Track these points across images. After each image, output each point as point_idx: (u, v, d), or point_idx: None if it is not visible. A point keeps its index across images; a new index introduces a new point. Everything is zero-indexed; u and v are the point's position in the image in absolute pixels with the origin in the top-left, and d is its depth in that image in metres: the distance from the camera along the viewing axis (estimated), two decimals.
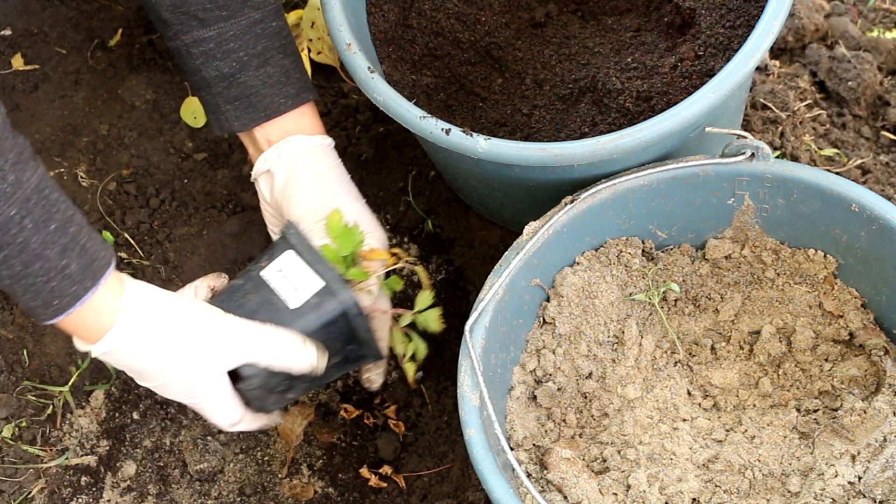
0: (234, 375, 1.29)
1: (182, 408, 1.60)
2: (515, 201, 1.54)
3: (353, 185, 1.44)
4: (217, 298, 1.32)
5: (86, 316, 1.19)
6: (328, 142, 1.43)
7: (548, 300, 1.38)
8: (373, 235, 1.41)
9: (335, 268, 1.33)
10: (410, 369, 1.43)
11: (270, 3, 1.37)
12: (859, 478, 1.23)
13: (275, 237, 1.46)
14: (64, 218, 1.15)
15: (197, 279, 1.36)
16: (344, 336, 1.34)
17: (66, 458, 1.54)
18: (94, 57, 1.88)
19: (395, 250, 1.43)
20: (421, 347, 1.41)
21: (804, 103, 1.71)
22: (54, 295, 1.16)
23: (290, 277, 1.32)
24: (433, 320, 1.38)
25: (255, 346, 1.27)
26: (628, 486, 1.25)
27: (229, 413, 1.32)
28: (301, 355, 1.29)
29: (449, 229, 1.72)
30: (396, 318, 1.41)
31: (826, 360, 1.36)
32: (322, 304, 1.30)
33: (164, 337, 1.22)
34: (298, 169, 1.39)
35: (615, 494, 1.25)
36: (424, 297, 1.39)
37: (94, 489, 1.54)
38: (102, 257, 1.19)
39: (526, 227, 1.34)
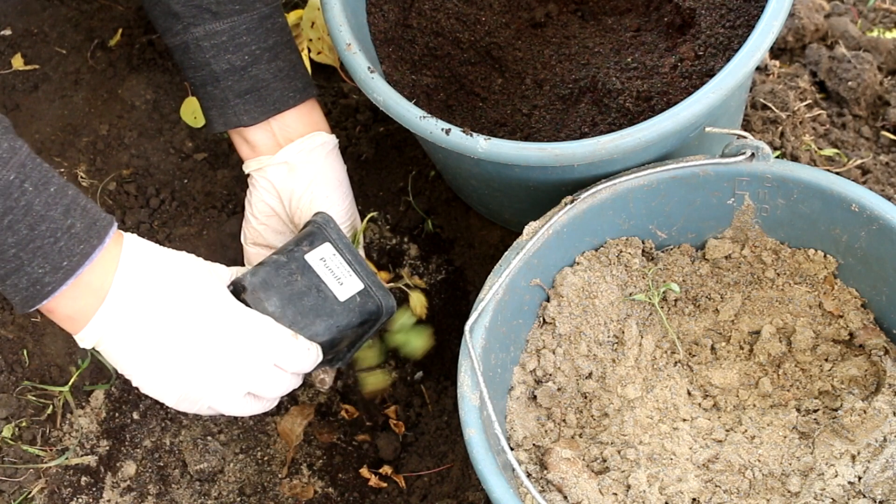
0: None
1: None
2: (515, 201, 1.54)
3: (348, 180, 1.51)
4: (262, 270, 1.32)
5: (89, 281, 1.19)
6: (336, 139, 1.49)
7: (548, 300, 1.38)
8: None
9: (375, 272, 1.38)
10: (372, 382, 1.55)
11: None
12: (859, 478, 1.23)
13: (255, 226, 1.48)
14: (61, 182, 1.16)
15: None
16: (358, 337, 1.38)
17: (66, 458, 1.54)
18: (94, 57, 1.88)
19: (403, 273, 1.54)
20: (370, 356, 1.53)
21: (804, 103, 1.71)
22: (63, 256, 1.15)
23: (332, 269, 1.34)
24: (416, 348, 1.51)
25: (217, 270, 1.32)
26: (628, 486, 1.25)
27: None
28: (298, 352, 1.30)
29: (449, 229, 1.72)
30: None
31: (826, 360, 1.36)
32: (365, 304, 1.34)
33: (164, 289, 1.22)
34: (324, 167, 1.44)
35: (615, 494, 1.25)
36: (405, 318, 1.49)
37: (94, 489, 1.54)
38: (104, 217, 1.19)
39: (526, 227, 1.34)
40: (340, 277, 1.34)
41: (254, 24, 1.37)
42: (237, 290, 1.31)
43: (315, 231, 1.36)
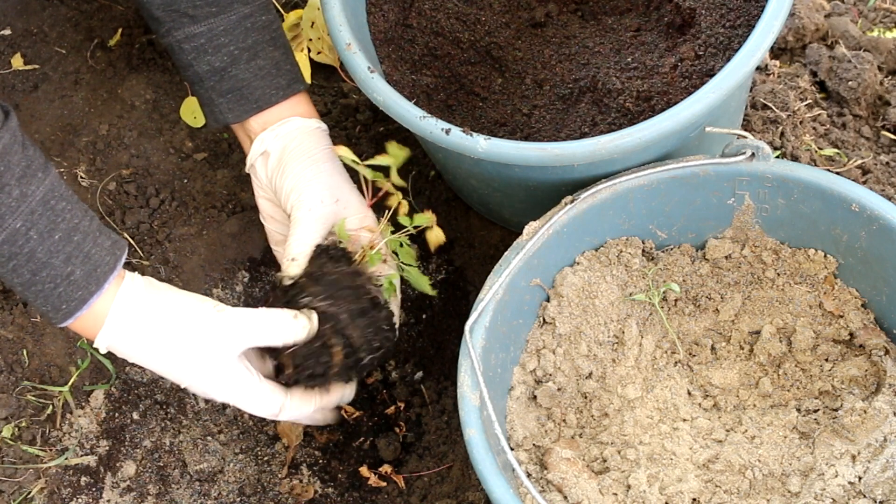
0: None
1: (182, 408, 1.60)
2: (515, 201, 1.54)
3: (343, 167, 1.46)
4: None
5: (90, 317, 1.26)
6: (324, 126, 1.47)
7: (548, 300, 1.38)
8: (362, 217, 1.45)
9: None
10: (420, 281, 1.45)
11: None
12: (859, 478, 1.23)
13: (269, 226, 1.50)
14: (69, 227, 1.21)
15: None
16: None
17: (66, 458, 1.54)
18: (94, 57, 1.88)
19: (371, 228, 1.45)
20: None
21: (804, 103, 1.71)
22: (62, 300, 1.22)
23: None
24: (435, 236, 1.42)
25: (247, 329, 1.31)
26: (628, 486, 1.25)
27: (263, 401, 1.35)
28: (292, 327, 1.32)
29: (449, 229, 1.71)
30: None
31: (826, 360, 1.36)
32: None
33: (155, 333, 1.28)
34: (294, 146, 1.42)
35: (615, 494, 1.25)
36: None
37: (93, 489, 1.53)
38: (107, 262, 1.25)
39: (526, 227, 1.34)
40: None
41: (231, 25, 1.38)
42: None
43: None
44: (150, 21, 1.41)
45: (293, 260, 1.38)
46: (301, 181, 1.40)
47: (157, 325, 1.27)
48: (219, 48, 1.39)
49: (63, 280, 1.22)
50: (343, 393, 1.43)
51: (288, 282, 1.38)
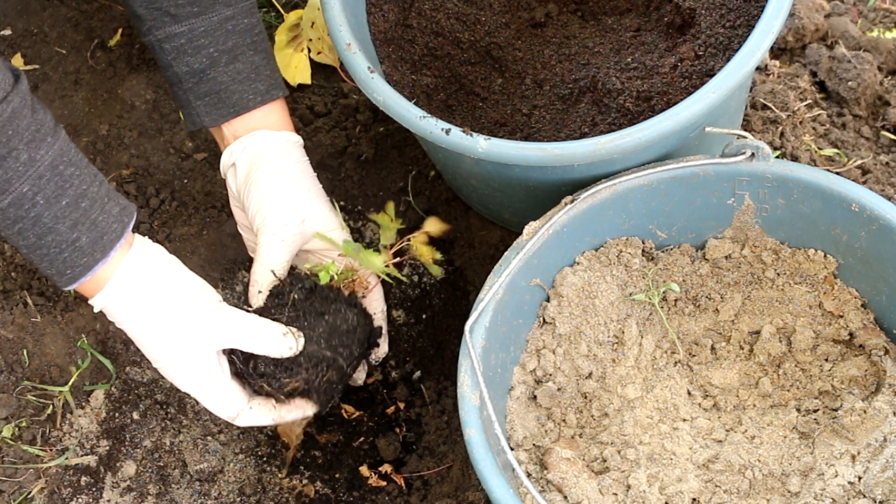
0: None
1: (182, 408, 1.60)
2: (515, 201, 1.54)
3: (315, 182, 1.46)
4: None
5: (93, 281, 1.26)
6: (294, 139, 1.45)
7: (548, 300, 1.38)
8: (332, 233, 1.43)
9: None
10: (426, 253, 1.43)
11: (243, 0, 1.39)
12: (859, 478, 1.23)
13: (243, 232, 1.50)
14: (77, 193, 1.21)
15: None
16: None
17: (66, 458, 1.54)
18: (94, 57, 1.89)
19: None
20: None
21: (804, 103, 1.71)
22: (66, 265, 1.23)
23: None
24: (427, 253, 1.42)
25: (237, 331, 1.31)
26: (628, 486, 1.25)
27: (225, 402, 1.34)
28: (279, 343, 1.32)
29: (449, 229, 1.71)
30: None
31: (826, 360, 1.36)
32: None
33: (152, 308, 1.28)
34: (260, 163, 1.41)
35: (615, 494, 1.25)
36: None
37: (94, 489, 1.54)
38: (114, 230, 1.25)
39: (526, 227, 1.34)
40: None
41: (212, 26, 1.37)
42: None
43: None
44: (133, 18, 1.40)
45: (259, 292, 1.39)
46: (265, 203, 1.40)
47: (156, 300, 1.28)
48: (198, 49, 1.38)
49: (68, 246, 1.22)
50: (304, 411, 1.41)
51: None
